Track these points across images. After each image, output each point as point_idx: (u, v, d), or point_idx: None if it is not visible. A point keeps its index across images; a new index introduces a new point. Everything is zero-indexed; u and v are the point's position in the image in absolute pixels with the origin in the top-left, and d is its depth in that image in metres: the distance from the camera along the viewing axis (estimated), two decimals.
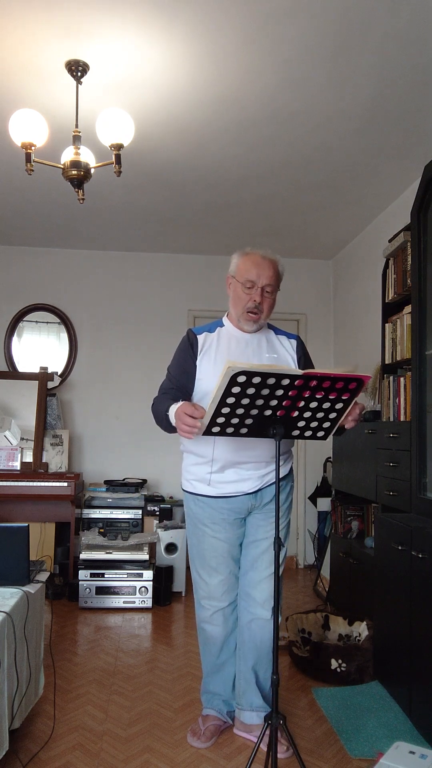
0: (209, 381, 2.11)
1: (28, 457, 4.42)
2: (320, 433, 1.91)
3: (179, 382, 2.19)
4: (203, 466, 2.19)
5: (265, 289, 2.13)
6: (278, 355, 2.21)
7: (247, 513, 2.23)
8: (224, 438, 2.01)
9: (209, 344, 2.19)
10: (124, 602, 3.86)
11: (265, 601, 2.21)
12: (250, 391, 1.69)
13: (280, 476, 2.22)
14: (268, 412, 1.78)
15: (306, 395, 1.75)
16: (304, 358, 2.27)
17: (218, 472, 2.16)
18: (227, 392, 1.67)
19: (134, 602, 3.86)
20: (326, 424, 1.88)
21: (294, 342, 2.28)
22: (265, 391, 1.70)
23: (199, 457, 2.20)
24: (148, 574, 3.89)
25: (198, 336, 2.21)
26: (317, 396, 1.76)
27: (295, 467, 5.14)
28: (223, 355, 2.16)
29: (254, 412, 1.76)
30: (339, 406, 1.82)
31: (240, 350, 2.18)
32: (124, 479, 4.74)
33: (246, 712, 2.27)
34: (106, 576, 3.87)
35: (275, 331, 2.29)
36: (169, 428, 2.10)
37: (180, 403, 1.98)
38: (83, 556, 3.93)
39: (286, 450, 2.23)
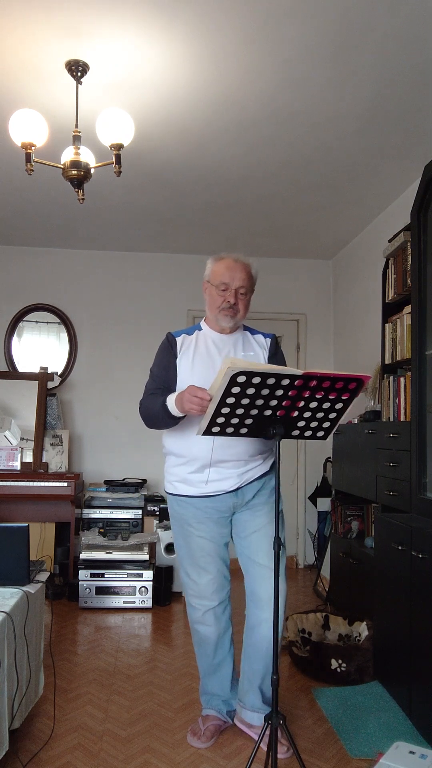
0: (186, 381, 2.15)
1: (28, 457, 4.42)
2: (320, 433, 1.91)
3: (165, 382, 2.23)
4: (183, 466, 2.22)
5: (239, 291, 2.20)
6: (254, 353, 2.28)
7: (230, 512, 2.24)
8: (203, 438, 2.03)
9: (187, 345, 2.25)
10: (124, 602, 3.86)
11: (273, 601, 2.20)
12: (250, 391, 1.69)
13: (261, 473, 2.25)
14: (268, 412, 1.78)
15: (306, 395, 1.75)
16: (275, 356, 2.32)
17: (198, 471, 2.19)
18: (227, 392, 1.67)
19: (134, 602, 3.87)
20: (326, 424, 1.88)
21: (269, 340, 2.34)
22: (265, 391, 1.70)
23: (179, 457, 2.23)
24: (148, 574, 3.89)
25: (177, 338, 2.28)
26: (317, 396, 1.76)
27: (295, 467, 5.18)
28: (201, 355, 2.22)
29: (254, 412, 1.76)
30: (339, 406, 1.82)
31: (217, 350, 2.24)
32: (124, 479, 4.74)
33: (247, 711, 2.28)
34: (106, 576, 3.87)
35: (251, 332, 2.36)
36: (166, 420, 2.12)
37: (177, 392, 2.05)
38: (83, 556, 3.94)
39: (267, 449, 2.25)
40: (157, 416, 2.15)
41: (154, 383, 2.27)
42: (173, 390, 2.20)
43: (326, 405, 1.80)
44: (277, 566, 1.86)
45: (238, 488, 2.20)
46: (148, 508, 4.44)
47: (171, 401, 2.06)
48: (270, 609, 2.20)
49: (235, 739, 2.28)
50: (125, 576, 3.88)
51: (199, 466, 2.18)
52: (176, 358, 2.23)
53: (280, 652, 2.77)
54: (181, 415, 2.06)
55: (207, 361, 2.21)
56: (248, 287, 2.23)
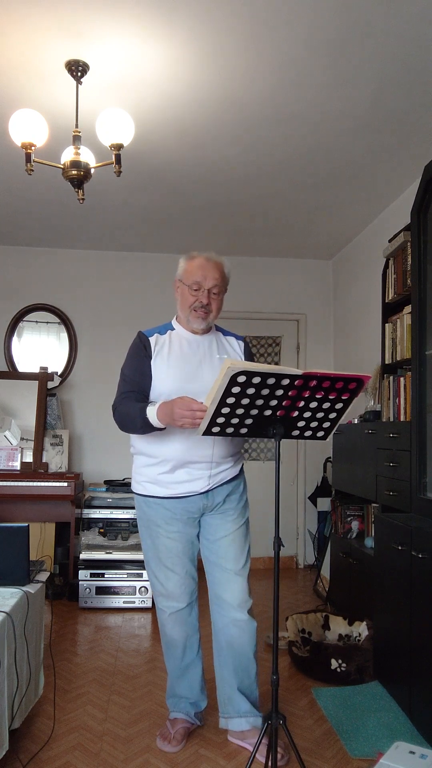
0: (162, 383, 2.12)
1: (28, 457, 4.41)
2: (320, 433, 1.91)
3: (139, 385, 2.16)
4: (154, 467, 2.18)
5: (212, 291, 2.17)
6: (228, 356, 2.25)
7: (200, 513, 2.21)
8: (176, 438, 2.04)
9: (161, 345, 2.19)
10: (124, 602, 3.86)
11: (239, 603, 2.19)
12: (250, 391, 1.69)
13: (231, 476, 2.23)
14: (268, 412, 1.78)
15: (306, 395, 1.75)
16: (249, 361, 2.30)
17: (169, 472, 2.15)
18: (227, 392, 1.67)
19: (134, 602, 3.87)
20: (326, 424, 1.88)
21: (242, 344, 2.32)
22: (265, 391, 1.70)
23: (150, 457, 2.19)
24: None
25: (149, 338, 2.22)
26: (317, 396, 1.76)
27: (295, 467, 5.18)
28: (176, 356, 2.17)
29: (254, 412, 1.76)
30: (339, 406, 1.82)
31: (192, 351, 2.19)
32: (124, 479, 4.74)
33: (234, 720, 2.23)
34: (106, 576, 3.87)
35: (223, 333, 2.33)
36: (144, 429, 2.05)
37: (161, 402, 1.99)
38: (83, 556, 3.94)
39: (237, 451, 2.25)
40: (134, 424, 2.07)
41: (127, 386, 2.19)
42: (147, 392, 2.15)
43: (326, 405, 1.80)
44: (277, 566, 1.86)
45: (208, 490, 2.18)
46: None
47: (152, 412, 1.98)
48: (237, 610, 2.20)
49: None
50: (125, 576, 3.88)
51: (170, 467, 2.14)
52: (150, 359, 2.16)
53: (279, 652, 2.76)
54: (162, 426, 2.00)
55: (182, 363, 2.15)
56: (221, 287, 2.19)
